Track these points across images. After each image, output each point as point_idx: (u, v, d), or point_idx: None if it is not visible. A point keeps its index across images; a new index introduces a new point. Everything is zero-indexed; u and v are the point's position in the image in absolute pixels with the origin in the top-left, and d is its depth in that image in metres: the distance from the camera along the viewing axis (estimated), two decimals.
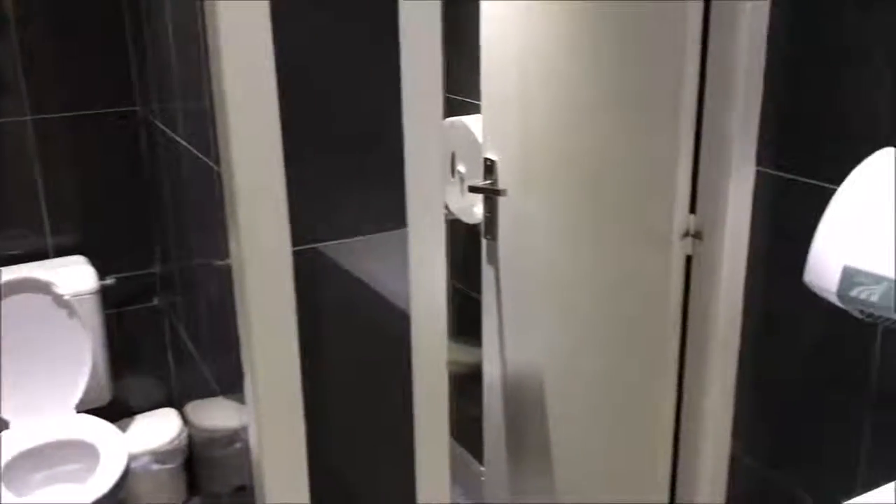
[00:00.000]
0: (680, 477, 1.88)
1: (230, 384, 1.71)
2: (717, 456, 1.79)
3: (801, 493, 1.60)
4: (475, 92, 2.23)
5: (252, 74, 1.19)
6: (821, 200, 1.31)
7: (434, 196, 1.18)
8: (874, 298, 1.20)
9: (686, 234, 1.72)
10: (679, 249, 1.72)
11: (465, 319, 2.59)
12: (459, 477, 2.61)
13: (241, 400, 1.52)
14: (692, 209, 1.70)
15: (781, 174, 1.56)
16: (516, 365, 2.32)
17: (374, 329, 1.42)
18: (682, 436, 1.86)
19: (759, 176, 1.60)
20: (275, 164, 1.26)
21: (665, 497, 1.90)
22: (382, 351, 1.38)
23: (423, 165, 1.16)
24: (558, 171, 2.01)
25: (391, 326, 1.39)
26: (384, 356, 1.37)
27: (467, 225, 2.48)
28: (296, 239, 1.39)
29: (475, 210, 2.36)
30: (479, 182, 2.21)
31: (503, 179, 2.16)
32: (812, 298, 1.31)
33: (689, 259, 1.74)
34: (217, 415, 2.13)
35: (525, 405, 2.30)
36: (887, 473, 1.24)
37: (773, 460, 1.70)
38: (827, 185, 1.45)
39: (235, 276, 1.37)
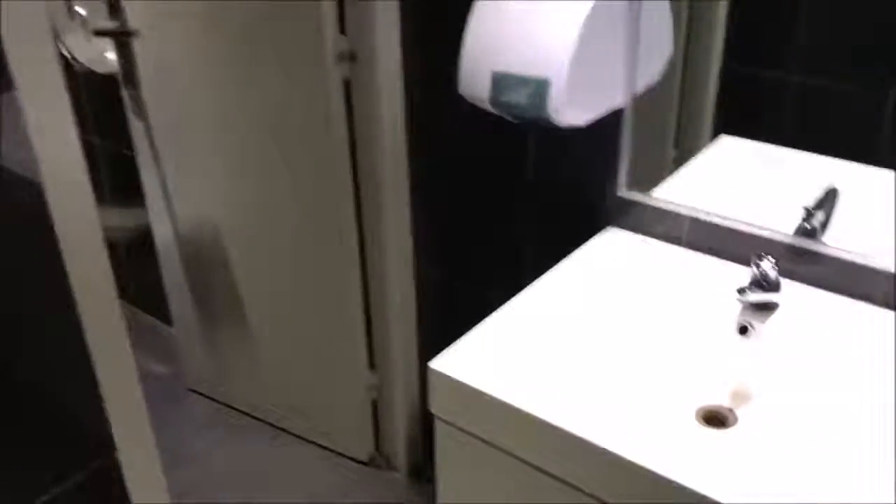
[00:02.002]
0: (372, 300, 1.93)
1: None
2: (402, 274, 1.85)
3: (485, 293, 1.71)
4: None
5: None
6: (467, 8, 1.31)
7: (42, 45, 0.98)
8: (524, 101, 1.24)
9: (341, 58, 1.65)
10: (336, 73, 1.66)
11: (122, 180, 2.36)
12: (149, 343, 2.47)
13: None
14: (342, 30, 1.63)
15: None
16: (189, 221, 2.18)
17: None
18: (367, 264, 1.88)
19: None
20: None
21: (360, 315, 1.94)
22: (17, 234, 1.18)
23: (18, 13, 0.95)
24: (193, 3, 1.82)
25: (28, 204, 1.20)
26: (20, 238, 1.18)
27: (104, 76, 2.20)
28: None
29: (108, 57, 2.08)
30: (106, 24, 1.94)
31: (133, 18, 1.92)
32: (470, 108, 1.33)
33: (347, 84, 1.69)
34: None
35: (207, 262, 2.19)
36: (550, 253, 1.35)
37: (454, 270, 1.79)
38: None
39: None
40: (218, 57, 1.86)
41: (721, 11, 1.39)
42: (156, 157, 2.12)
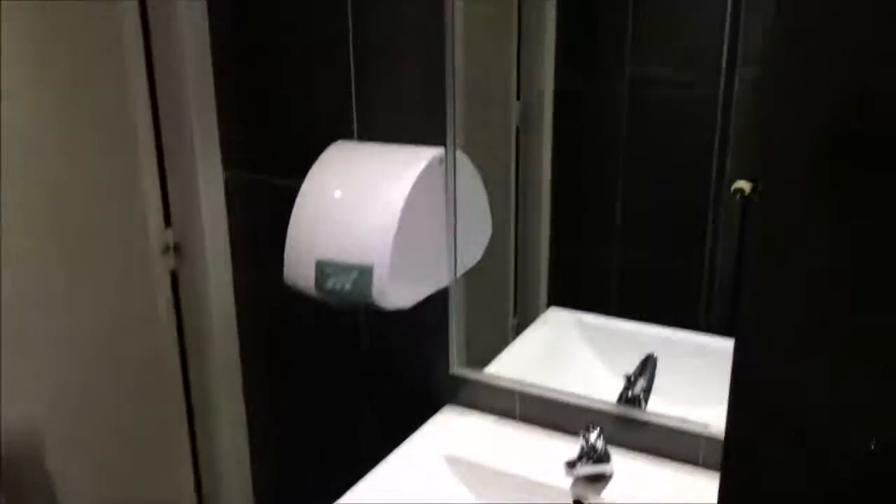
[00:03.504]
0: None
1: None
2: (238, 466, 1.75)
3: (325, 479, 1.64)
4: None
5: None
6: (291, 198, 1.33)
7: None
8: (348, 287, 1.25)
9: (166, 249, 1.63)
10: (162, 266, 1.63)
11: None
12: None
13: None
14: (167, 223, 1.61)
15: (253, 176, 1.55)
16: (9, 423, 2.00)
17: None
18: (200, 463, 1.78)
19: (231, 179, 1.57)
20: None
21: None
22: None
23: None
24: (13, 209, 1.75)
25: None
26: None
27: None
28: None
29: None
30: None
31: None
32: (298, 295, 1.33)
33: (174, 275, 1.65)
34: None
35: (26, 469, 1.99)
36: (390, 434, 1.32)
37: (294, 462, 1.72)
38: (295, 181, 1.48)
39: None
40: (40, 260, 1.78)
41: (545, 198, 1.49)
42: None
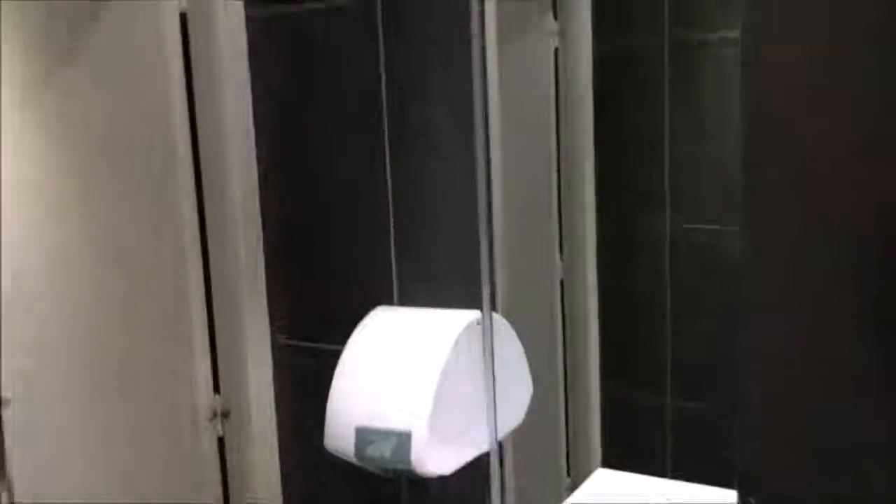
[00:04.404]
0: None
1: None
2: None
3: None
4: None
5: None
6: (334, 363, 1.36)
7: None
8: (388, 454, 1.26)
9: (214, 416, 1.65)
10: (209, 432, 1.65)
11: None
12: None
13: None
14: (216, 389, 1.65)
15: (297, 342, 1.60)
16: None
17: None
18: None
19: (277, 346, 1.62)
20: None
21: None
22: None
23: None
24: (67, 374, 1.82)
25: None
26: None
27: None
28: None
29: None
30: None
31: (5, 386, 1.89)
32: (338, 461, 1.33)
33: (221, 440, 1.67)
34: None
35: None
36: None
37: None
38: (339, 347, 1.51)
39: None
40: (95, 427, 1.83)
41: (593, 350, 1.49)
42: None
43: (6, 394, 1.92)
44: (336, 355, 1.39)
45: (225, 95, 1.53)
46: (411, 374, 1.26)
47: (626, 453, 1.46)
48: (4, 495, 2.00)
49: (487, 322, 1.34)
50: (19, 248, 1.72)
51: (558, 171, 1.49)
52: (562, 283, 1.51)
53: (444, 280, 1.39)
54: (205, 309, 1.61)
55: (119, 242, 1.67)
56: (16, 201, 1.64)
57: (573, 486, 1.48)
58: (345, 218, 1.50)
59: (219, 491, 1.68)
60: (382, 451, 1.25)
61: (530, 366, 1.41)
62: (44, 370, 1.86)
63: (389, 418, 1.25)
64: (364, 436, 1.27)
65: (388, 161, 1.43)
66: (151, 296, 1.65)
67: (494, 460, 1.37)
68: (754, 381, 0.59)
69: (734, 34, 1.19)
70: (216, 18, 1.50)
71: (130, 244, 1.66)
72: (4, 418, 1.95)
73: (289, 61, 1.53)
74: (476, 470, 1.35)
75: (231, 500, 1.69)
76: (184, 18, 1.53)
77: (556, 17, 1.50)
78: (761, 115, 0.57)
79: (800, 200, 0.56)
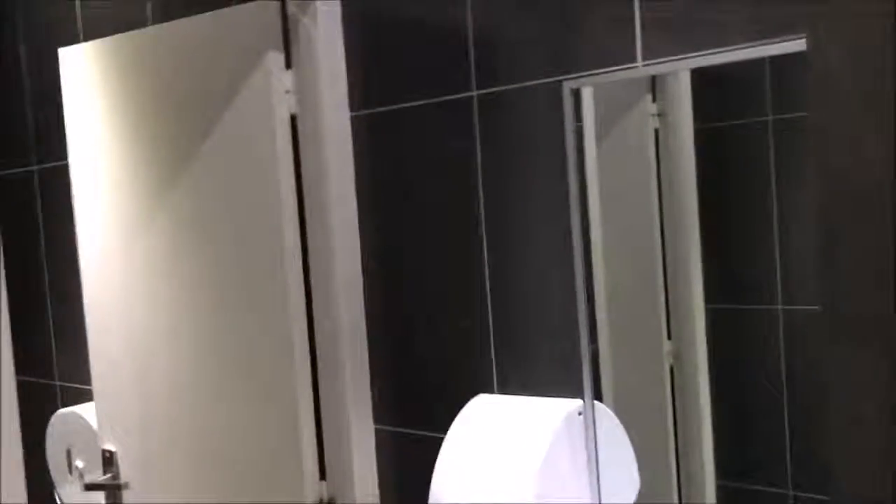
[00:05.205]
0: None
1: None
2: None
3: None
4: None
5: None
6: (437, 450, 1.36)
7: None
8: None
9: (320, 503, 1.67)
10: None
11: None
12: None
13: None
14: (322, 476, 1.67)
15: (400, 429, 1.60)
16: None
17: None
18: None
19: (378, 432, 1.63)
20: None
21: None
22: None
23: None
24: (180, 459, 1.89)
25: None
26: None
27: None
28: None
29: None
30: (99, 477, 1.99)
31: (125, 471, 1.98)
32: None
33: None
34: None
35: None
36: None
37: None
38: (440, 434, 1.51)
39: None
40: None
41: (707, 439, 1.43)
42: None
43: (125, 477, 2.00)
44: (437, 443, 1.38)
45: (331, 190, 1.59)
46: (511, 469, 1.24)
47: None
48: None
49: (590, 412, 1.31)
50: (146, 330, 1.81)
51: (663, 251, 1.46)
52: (671, 368, 1.47)
53: (544, 368, 1.38)
54: (311, 398, 1.64)
55: (229, 330, 1.74)
56: (148, 283, 1.76)
57: None
58: (444, 307, 1.52)
59: None
60: None
61: (637, 457, 1.36)
62: (156, 457, 1.94)
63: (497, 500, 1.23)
64: None
65: (485, 249, 1.45)
66: (259, 383, 1.70)
67: None
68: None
69: None
70: (323, 120, 1.59)
71: (240, 334, 1.72)
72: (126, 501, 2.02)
73: (389, 154, 1.59)
74: None
75: None
76: (293, 120, 1.62)
77: (654, 99, 1.50)
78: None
79: None
